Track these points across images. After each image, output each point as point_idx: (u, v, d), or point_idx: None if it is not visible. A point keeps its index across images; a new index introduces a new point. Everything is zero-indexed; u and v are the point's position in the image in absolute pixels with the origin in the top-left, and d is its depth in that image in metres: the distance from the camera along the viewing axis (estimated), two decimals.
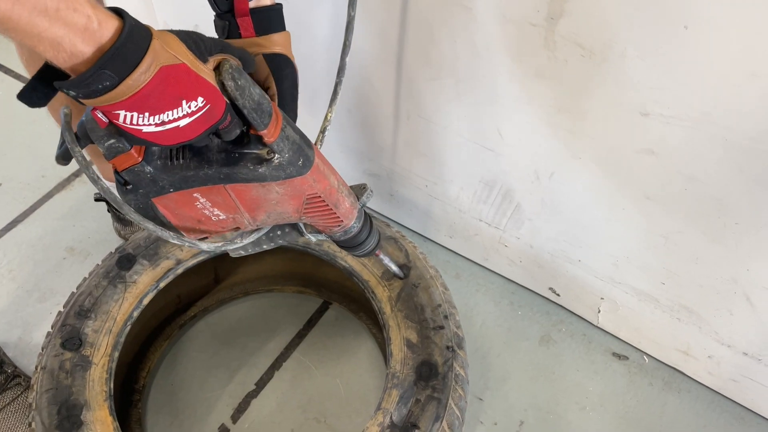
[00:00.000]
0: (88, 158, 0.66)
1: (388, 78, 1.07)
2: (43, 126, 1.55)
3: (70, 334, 1.00)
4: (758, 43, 0.68)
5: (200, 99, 0.58)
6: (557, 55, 0.84)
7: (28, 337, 1.23)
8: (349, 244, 0.89)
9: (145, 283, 1.07)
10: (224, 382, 1.17)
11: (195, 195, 0.72)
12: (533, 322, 1.26)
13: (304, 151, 0.70)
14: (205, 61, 0.59)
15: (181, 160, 0.68)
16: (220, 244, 0.79)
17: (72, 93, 0.52)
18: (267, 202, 0.74)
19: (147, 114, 0.56)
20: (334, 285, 1.26)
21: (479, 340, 1.23)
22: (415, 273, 1.07)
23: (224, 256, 1.15)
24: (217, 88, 0.59)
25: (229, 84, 0.60)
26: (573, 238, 1.10)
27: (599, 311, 1.20)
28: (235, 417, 1.13)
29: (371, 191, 0.86)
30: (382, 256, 0.99)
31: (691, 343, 1.11)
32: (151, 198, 0.71)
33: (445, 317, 1.02)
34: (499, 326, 1.25)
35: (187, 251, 1.10)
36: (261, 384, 1.17)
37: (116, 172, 0.67)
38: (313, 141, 0.75)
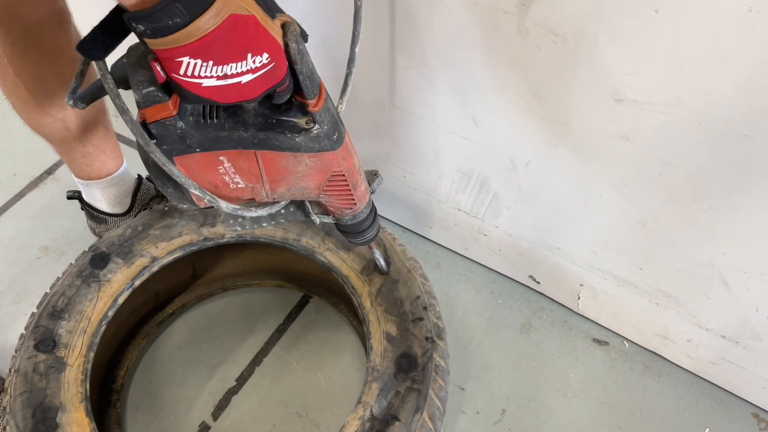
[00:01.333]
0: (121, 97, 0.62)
1: (364, 68, 1.06)
2: (14, 124, 1.52)
3: (43, 336, 0.98)
4: (729, 26, 0.68)
5: (265, 55, 0.57)
6: (530, 42, 0.83)
7: (3, 339, 1.21)
8: (352, 230, 0.89)
9: (119, 282, 1.05)
10: (204, 379, 1.16)
11: (221, 158, 0.70)
12: (514, 310, 1.26)
13: (339, 127, 0.70)
14: (273, 17, 0.58)
15: (215, 119, 0.67)
16: (237, 207, 0.77)
17: (141, 27, 0.50)
18: (293, 174, 0.74)
19: (211, 63, 0.54)
20: (315, 278, 1.25)
21: (461, 329, 1.23)
22: (394, 267, 1.06)
23: (202, 252, 1.14)
24: (282, 47, 0.59)
25: (293, 46, 0.59)
26: (551, 226, 1.10)
27: (579, 298, 1.21)
28: (216, 414, 1.12)
29: (382, 178, 0.88)
30: (374, 248, 0.98)
31: (670, 328, 1.12)
32: (173, 156, 0.69)
33: (425, 308, 1.02)
34: (480, 315, 1.25)
35: (162, 249, 1.09)
36: (241, 380, 1.16)
37: (144, 123, 0.64)
38: None
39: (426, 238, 1.35)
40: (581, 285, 1.17)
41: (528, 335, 1.23)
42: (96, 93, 0.72)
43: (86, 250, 1.08)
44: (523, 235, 1.16)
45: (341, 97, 0.87)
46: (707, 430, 1.12)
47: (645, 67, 0.77)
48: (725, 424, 1.12)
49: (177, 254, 1.09)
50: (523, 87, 0.90)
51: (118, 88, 0.62)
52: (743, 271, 0.94)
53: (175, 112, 0.63)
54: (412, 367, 0.96)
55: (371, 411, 0.92)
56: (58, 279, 1.05)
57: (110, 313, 1.03)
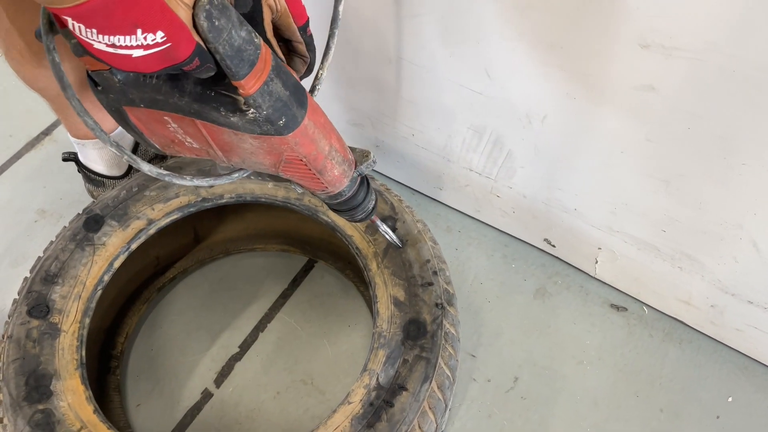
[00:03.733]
0: (57, 59, 0.60)
1: (365, 17, 0.99)
2: (10, 83, 1.47)
3: (36, 301, 0.94)
4: None
5: (160, 34, 0.50)
6: None
7: (2, 303, 1.18)
8: (337, 208, 0.82)
9: (115, 245, 1.01)
10: (206, 345, 1.12)
11: (166, 118, 0.65)
12: (528, 274, 1.20)
13: (289, 111, 0.62)
14: None
15: (153, 80, 0.61)
16: (164, 172, 0.71)
17: None
18: (241, 149, 0.68)
19: (95, 31, 0.49)
20: (319, 242, 1.20)
21: (472, 295, 1.18)
22: (403, 227, 1.01)
23: (203, 215, 1.10)
24: (187, 26, 0.51)
25: (202, 24, 0.51)
26: (568, 186, 1.04)
27: (597, 262, 1.15)
28: (219, 381, 1.09)
29: (374, 161, 0.77)
30: (378, 222, 0.91)
31: (693, 293, 1.06)
32: (122, 106, 0.65)
33: (434, 273, 0.96)
34: (492, 280, 1.20)
35: (159, 210, 1.04)
36: (245, 346, 1.12)
37: (87, 71, 0.62)
38: None
39: (436, 200, 1.29)
40: (599, 248, 1.12)
41: (542, 301, 1.17)
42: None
43: (80, 212, 1.03)
44: (538, 196, 1.10)
45: (322, 63, 0.78)
46: (730, 398, 1.07)
47: (675, 7, 0.70)
48: (749, 393, 1.07)
49: (174, 216, 1.04)
50: (539, 34, 0.83)
51: (57, 33, 0.59)
52: None
53: (108, 66, 0.59)
54: (420, 335, 0.91)
55: (377, 379, 0.87)
56: (51, 243, 1.01)
57: (106, 278, 0.99)
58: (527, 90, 0.92)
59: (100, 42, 0.51)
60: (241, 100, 0.60)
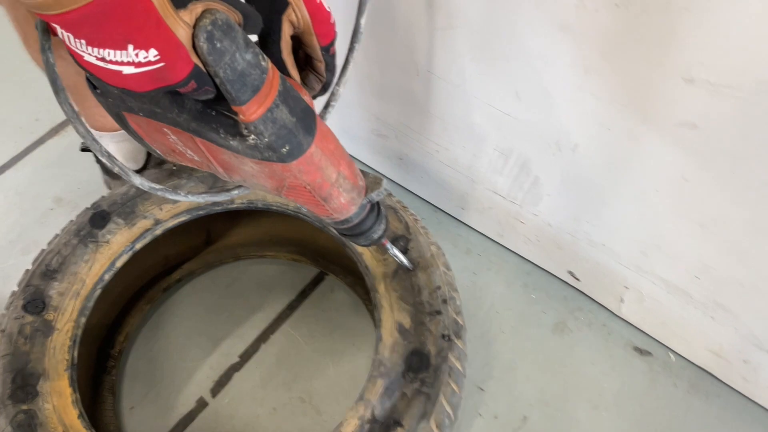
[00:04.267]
0: (52, 60, 0.56)
1: (396, 26, 0.94)
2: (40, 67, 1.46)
3: (33, 296, 0.92)
4: None
5: (153, 52, 0.46)
6: (587, 4, 0.70)
7: (7, 290, 1.16)
8: (344, 233, 0.77)
9: (119, 244, 0.98)
10: (207, 352, 1.09)
11: (165, 130, 0.61)
12: (548, 307, 1.14)
13: (294, 138, 0.57)
14: (183, 5, 0.46)
15: (152, 92, 0.58)
16: (157, 187, 0.67)
17: None
18: (241, 170, 0.63)
19: (84, 42, 0.45)
20: (332, 254, 1.16)
21: (486, 323, 1.12)
22: (415, 249, 0.96)
23: (217, 217, 1.06)
24: (185, 46, 0.47)
25: (202, 45, 0.47)
26: (597, 219, 0.97)
27: (622, 301, 1.08)
28: (215, 390, 1.05)
29: (386, 189, 0.72)
30: (388, 245, 0.86)
31: (725, 345, 0.98)
32: (121, 111, 0.61)
33: (444, 301, 0.91)
34: (510, 309, 1.13)
35: (167, 211, 1.01)
36: (245, 357, 1.09)
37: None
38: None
39: (458, 220, 1.23)
40: (626, 287, 1.04)
41: (561, 336, 1.11)
42: None
43: (88, 206, 1.01)
44: (564, 227, 1.03)
45: (340, 79, 0.73)
46: None
47: (726, 42, 0.63)
48: None
49: (182, 218, 1.01)
50: (576, 58, 0.77)
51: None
52: None
53: None
54: (423, 367, 0.86)
55: (372, 412, 0.82)
56: (56, 236, 0.99)
57: (106, 277, 0.96)
58: (559, 116, 0.86)
59: (90, 54, 0.47)
60: (242, 125, 0.55)
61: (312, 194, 0.66)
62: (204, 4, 0.48)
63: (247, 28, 0.54)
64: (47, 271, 0.94)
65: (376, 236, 0.79)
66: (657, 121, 0.75)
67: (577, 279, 1.12)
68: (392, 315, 0.91)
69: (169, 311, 1.13)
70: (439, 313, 0.90)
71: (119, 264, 0.97)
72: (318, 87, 0.70)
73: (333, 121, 1.25)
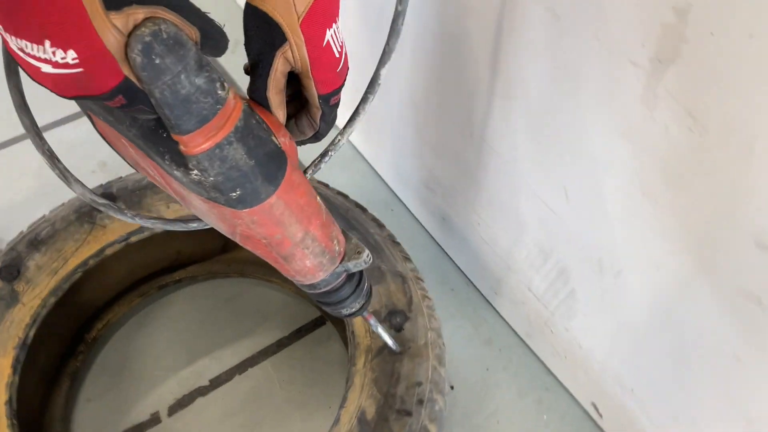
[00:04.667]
0: None
1: (457, 80, 0.82)
2: None
3: (12, 262, 0.88)
4: None
5: (71, 54, 0.38)
6: (656, 117, 0.55)
7: None
8: (314, 298, 0.67)
9: (114, 232, 0.93)
10: (180, 365, 1.02)
11: (123, 142, 0.54)
12: None
13: (249, 184, 0.49)
14: (118, 7, 0.38)
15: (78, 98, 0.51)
16: (101, 201, 0.59)
17: None
18: (192, 205, 0.55)
19: (1, 27, 0.39)
20: None
21: (480, 431, 0.97)
22: (410, 330, 0.83)
23: None
24: (113, 54, 0.39)
25: (135, 57, 0.39)
26: (631, 361, 0.80)
27: None
28: (173, 409, 0.98)
29: (366, 261, 0.62)
30: (372, 321, 0.75)
31: None
32: (86, 110, 0.55)
33: (420, 402, 0.78)
34: (513, 424, 0.98)
35: (173, 210, 0.95)
36: (216, 383, 1.00)
37: None
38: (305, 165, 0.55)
39: (489, 303, 1.09)
40: None
41: None
42: None
43: (102, 183, 0.97)
44: (596, 354, 0.87)
45: (344, 129, 0.62)
46: None
47: None
48: None
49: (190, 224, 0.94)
50: (633, 174, 0.62)
51: None
52: None
53: None
54: None
55: None
56: (62, 204, 0.95)
57: (91, 262, 0.91)
58: (605, 232, 0.71)
59: (11, 41, 0.39)
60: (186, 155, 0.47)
61: (269, 249, 0.57)
62: (149, 10, 0.39)
63: (206, 49, 0.44)
64: (35, 240, 0.90)
65: (347, 312, 0.68)
66: (716, 280, 0.59)
67: (600, 415, 0.95)
68: (359, 397, 0.79)
69: (158, 310, 1.08)
70: (408, 414, 0.77)
71: (109, 252, 0.92)
72: (309, 134, 0.60)
73: (388, 157, 1.15)
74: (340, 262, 0.63)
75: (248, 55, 0.52)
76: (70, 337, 1.00)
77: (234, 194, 0.49)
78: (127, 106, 0.44)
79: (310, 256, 0.59)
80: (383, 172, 1.22)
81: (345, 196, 0.98)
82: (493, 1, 0.68)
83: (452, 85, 0.84)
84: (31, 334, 0.85)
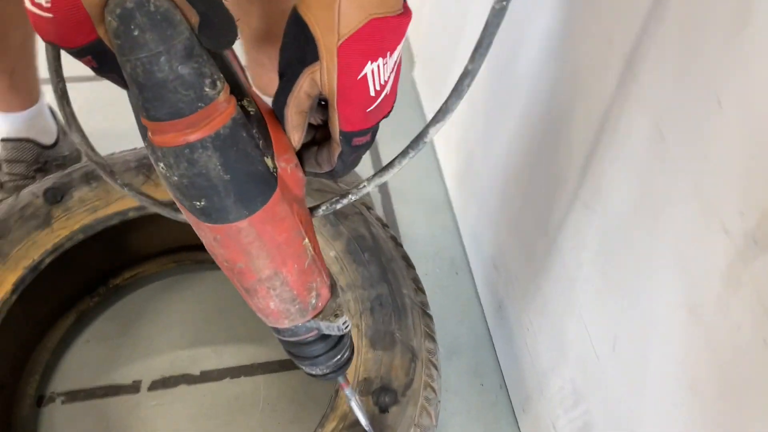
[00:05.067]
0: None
1: (544, 168, 0.71)
2: None
3: (61, 185, 0.90)
4: None
5: None
6: (731, 307, 0.41)
7: None
8: (285, 347, 0.59)
9: (163, 194, 0.90)
10: (183, 344, 0.99)
11: None
12: None
13: (216, 199, 0.43)
14: None
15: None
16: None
17: None
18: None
19: None
20: None
21: None
22: (395, 416, 0.73)
23: None
24: (89, 11, 0.38)
25: (110, 21, 0.36)
26: None
27: None
28: (155, 385, 0.94)
29: (340, 328, 0.54)
30: (347, 391, 0.65)
31: None
32: None
33: None
34: None
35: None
36: (204, 377, 0.96)
37: None
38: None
39: (514, 416, 0.94)
40: None
41: None
42: None
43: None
44: None
45: (376, 176, 0.52)
46: None
47: None
48: None
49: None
50: (687, 359, 0.47)
51: None
52: None
53: None
54: None
55: None
56: (133, 149, 0.94)
57: (131, 214, 0.89)
58: (639, 406, 0.56)
59: None
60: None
61: (230, 273, 0.50)
62: None
63: (205, 38, 0.39)
64: (92, 174, 0.90)
65: (313, 372, 0.60)
66: None
67: None
68: None
69: (185, 282, 1.05)
70: None
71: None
72: (326, 169, 0.52)
73: (471, 216, 1.04)
74: (313, 318, 0.55)
75: (279, 62, 0.46)
76: (94, 278, 1.00)
77: (198, 203, 0.44)
78: (98, 71, 0.42)
79: (275, 298, 0.51)
80: (463, 229, 1.12)
81: (397, 244, 0.89)
82: (598, 102, 0.56)
83: (542, 171, 0.73)
84: (47, 260, 0.85)
